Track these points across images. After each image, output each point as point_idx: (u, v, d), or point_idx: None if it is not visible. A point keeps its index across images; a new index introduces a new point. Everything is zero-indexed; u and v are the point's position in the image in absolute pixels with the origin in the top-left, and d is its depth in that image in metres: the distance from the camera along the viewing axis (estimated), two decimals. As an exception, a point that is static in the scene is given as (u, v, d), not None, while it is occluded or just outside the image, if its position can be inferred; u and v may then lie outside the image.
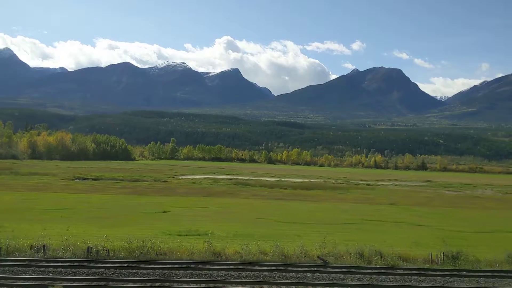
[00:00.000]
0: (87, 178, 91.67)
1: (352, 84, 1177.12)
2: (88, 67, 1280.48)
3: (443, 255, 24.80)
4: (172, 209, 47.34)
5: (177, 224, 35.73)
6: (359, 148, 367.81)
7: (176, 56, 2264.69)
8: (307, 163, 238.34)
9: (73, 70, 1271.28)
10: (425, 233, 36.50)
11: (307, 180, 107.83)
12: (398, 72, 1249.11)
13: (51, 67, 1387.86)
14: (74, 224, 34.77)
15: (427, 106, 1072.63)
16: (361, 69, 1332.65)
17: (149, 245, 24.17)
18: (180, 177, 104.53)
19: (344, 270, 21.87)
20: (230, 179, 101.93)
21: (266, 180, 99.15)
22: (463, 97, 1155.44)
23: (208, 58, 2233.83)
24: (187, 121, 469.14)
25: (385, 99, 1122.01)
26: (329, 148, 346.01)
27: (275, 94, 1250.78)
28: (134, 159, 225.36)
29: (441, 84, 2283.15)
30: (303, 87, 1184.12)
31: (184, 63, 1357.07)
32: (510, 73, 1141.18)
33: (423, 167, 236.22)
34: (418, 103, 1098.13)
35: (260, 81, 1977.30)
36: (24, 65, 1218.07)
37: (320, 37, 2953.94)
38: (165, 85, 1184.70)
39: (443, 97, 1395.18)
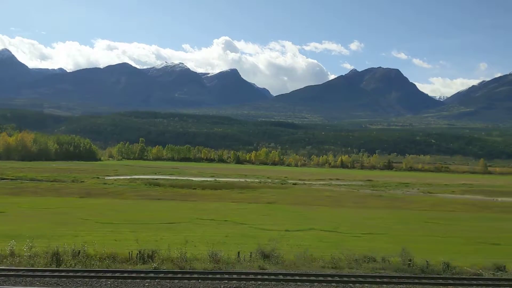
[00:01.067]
0: (6, 179, 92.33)
1: (351, 84, 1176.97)
2: (86, 68, 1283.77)
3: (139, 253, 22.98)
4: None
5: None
6: (349, 148, 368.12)
7: (174, 56, 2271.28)
8: (274, 163, 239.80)
9: (71, 71, 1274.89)
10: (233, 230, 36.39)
11: (243, 180, 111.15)
12: (397, 72, 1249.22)
13: (49, 68, 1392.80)
14: None
15: (425, 106, 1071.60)
16: (359, 69, 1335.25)
17: None
18: (116, 178, 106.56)
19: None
20: (160, 179, 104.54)
21: (190, 180, 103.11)
22: (461, 97, 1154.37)
23: (207, 58, 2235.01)
24: (180, 121, 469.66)
25: (383, 99, 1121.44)
26: (318, 148, 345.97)
27: (274, 95, 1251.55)
28: (99, 159, 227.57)
29: (440, 84, 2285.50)
30: (302, 87, 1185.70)
31: (182, 63, 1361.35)
32: (508, 73, 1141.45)
33: (389, 166, 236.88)
34: (416, 103, 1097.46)
35: (259, 82, 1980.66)
36: (23, 66, 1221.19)
37: (318, 38, 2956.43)
38: (163, 86, 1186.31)
39: (442, 97, 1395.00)
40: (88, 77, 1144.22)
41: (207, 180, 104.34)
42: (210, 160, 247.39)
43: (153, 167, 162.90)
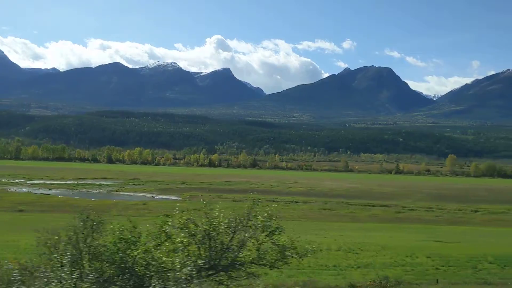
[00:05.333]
0: None
1: (343, 83, 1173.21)
2: (78, 68, 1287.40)
3: None
4: None
5: None
6: (314, 148, 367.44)
7: (168, 55, 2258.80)
8: (144, 162, 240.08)
9: (64, 70, 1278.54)
10: None
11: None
12: (389, 71, 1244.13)
13: (42, 67, 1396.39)
14: None
15: (417, 105, 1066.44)
16: (353, 68, 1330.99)
17: None
18: None
19: None
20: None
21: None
22: (454, 95, 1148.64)
23: (200, 57, 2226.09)
24: (152, 121, 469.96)
25: (374, 98, 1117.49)
26: (278, 147, 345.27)
27: (268, 94, 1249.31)
28: None
29: (435, 82, 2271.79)
30: (295, 86, 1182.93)
31: (175, 63, 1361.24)
32: (501, 71, 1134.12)
33: (254, 164, 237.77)
34: (407, 102, 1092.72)
35: (253, 81, 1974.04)
36: (15, 65, 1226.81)
37: (311, 36, 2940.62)
38: (155, 85, 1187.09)
39: (436, 95, 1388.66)
40: (80, 76, 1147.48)
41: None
42: (83, 160, 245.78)
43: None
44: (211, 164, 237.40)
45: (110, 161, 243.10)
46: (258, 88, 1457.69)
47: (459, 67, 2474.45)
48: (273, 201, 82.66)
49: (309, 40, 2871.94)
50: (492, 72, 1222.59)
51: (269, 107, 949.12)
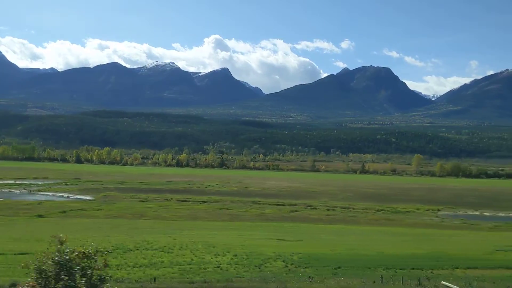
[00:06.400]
0: None
1: (341, 83, 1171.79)
2: (76, 68, 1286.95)
3: None
4: None
5: None
6: (305, 148, 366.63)
7: (166, 55, 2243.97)
8: (112, 162, 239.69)
9: (62, 70, 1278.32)
10: None
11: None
12: (387, 71, 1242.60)
13: (41, 67, 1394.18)
14: None
15: (415, 104, 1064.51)
16: (352, 68, 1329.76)
17: None
18: None
19: None
20: None
21: None
22: (452, 95, 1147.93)
23: (198, 57, 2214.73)
24: (145, 121, 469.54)
25: (372, 98, 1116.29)
26: (268, 147, 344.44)
27: (267, 93, 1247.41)
28: None
29: (434, 82, 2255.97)
30: (293, 86, 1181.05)
31: (173, 63, 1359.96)
32: (499, 71, 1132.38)
33: (222, 164, 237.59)
34: (405, 102, 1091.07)
35: (252, 81, 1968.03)
36: (13, 66, 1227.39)
37: (309, 36, 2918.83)
38: (153, 85, 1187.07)
39: (435, 95, 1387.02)
40: (78, 76, 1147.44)
41: None
42: (52, 160, 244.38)
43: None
44: (178, 164, 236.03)
45: (78, 161, 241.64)
46: (256, 88, 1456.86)
47: (458, 67, 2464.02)
48: (185, 201, 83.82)
49: (308, 40, 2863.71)
50: (491, 72, 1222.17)
51: (266, 107, 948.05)
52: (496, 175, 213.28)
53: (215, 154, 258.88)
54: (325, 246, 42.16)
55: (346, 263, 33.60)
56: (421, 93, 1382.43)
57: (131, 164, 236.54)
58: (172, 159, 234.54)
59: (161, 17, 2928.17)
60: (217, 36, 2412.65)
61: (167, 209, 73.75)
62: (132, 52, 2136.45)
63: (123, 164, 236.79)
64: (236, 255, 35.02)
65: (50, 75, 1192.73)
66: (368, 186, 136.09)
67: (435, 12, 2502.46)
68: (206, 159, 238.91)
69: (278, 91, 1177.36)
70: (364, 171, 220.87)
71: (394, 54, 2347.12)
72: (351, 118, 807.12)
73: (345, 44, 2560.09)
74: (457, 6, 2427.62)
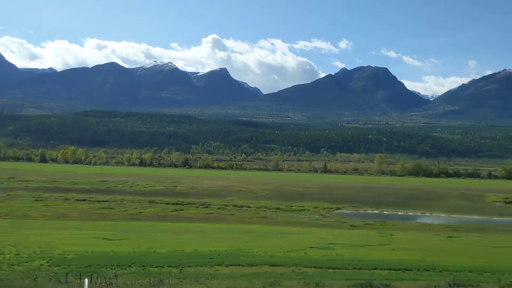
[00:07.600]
0: None
1: (339, 83, 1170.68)
2: (74, 68, 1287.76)
3: None
4: None
5: None
6: (295, 147, 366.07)
7: (164, 55, 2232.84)
8: (76, 161, 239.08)
9: (61, 70, 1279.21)
10: None
11: None
12: (385, 71, 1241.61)
13: (39, 67, 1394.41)
14: None
15: (413, 104, 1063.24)
16: (350, 68, 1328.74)
17: None
18: None
19: None
20: None
21: None
22: (450, 95, 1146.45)
23: (196, 57, 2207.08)
24: (138, 121, 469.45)
25: (370, 98, 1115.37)
26: (257, 147, 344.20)
27: (265, 94, 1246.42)
28: None
29: (433, 82, 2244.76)
30: (291, 86, 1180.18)
31: (171, 63, 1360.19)
32: (497, 71, 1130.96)
33: (185, 163, 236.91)
34: (403, 102, 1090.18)
35: (251, 81, 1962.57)
36: (11, 65, 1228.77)
37: (307, 36, 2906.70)
38: (151, 85, 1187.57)
39: (434, 95, 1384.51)
40: (76, 76, 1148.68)
41: None
42: (17, 159, 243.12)
43: None
44: (142, 164, 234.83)
45: (43, 160, 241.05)
46: (255, 88, 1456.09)
47: (457, 67, 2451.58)
48: (84, 200, 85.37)
49: (306, 40, 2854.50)
50: (489, 72, 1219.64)
51: (264, 107, 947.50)
52: (456, 174, 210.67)
53: (204, 153, 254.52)
54: (141, 245, 43.73)
55: (98, 262, 35.41)
56: (419, 93, 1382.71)
57: (94, 164, 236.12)
58: (136, 159, 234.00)
59: (159, 17, 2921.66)
60: (215, 36, 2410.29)
61: (48, 208, 74.89)
62: (130, 52, 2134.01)
63: (87, 164, 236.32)
64: (18, 254, 36.80)
65: (49, 75, 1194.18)
66: (297, 185, 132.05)
67: (434, 12, 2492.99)
68: (169, 159, 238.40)
69: (276, 91, 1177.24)
70: (325, 171, 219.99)
71: (392, 54, 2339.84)
72: (348, 118, 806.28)
73: (343, 44, 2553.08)
74: (455, 6, 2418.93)
